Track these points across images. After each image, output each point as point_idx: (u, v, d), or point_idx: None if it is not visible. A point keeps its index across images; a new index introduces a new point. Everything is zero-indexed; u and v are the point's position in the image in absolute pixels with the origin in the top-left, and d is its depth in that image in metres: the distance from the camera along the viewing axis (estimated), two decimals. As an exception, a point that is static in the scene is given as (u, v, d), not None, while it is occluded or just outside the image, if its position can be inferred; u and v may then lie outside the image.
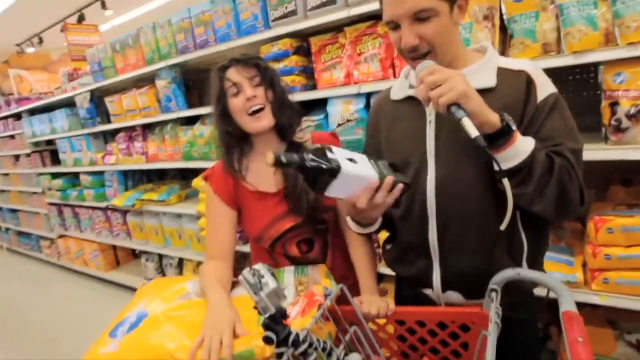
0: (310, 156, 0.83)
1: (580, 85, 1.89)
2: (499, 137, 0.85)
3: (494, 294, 0.93)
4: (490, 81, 0.97)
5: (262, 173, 1.26)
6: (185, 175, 3.58)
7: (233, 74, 1.19)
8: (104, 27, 8.09)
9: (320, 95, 2.11)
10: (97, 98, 3.54)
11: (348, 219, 1.13)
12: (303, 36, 2.20)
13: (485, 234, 0.98)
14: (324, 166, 0.81)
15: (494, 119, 0.85)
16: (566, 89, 1.91)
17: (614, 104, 1.49)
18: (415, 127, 1.06)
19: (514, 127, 0.85)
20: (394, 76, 1.92)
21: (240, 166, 1.26)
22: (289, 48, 2.16)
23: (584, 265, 1.66)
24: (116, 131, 3.48)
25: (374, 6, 1.83)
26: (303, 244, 1.29)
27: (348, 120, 2.02)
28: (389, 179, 0.89)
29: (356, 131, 2.00)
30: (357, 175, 0.86)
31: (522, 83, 0.95)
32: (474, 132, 0.81)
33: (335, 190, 0.86)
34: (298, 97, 2.15)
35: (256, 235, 1.28)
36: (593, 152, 1.48)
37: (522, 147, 0.86)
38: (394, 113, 1.14)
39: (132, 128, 3.30)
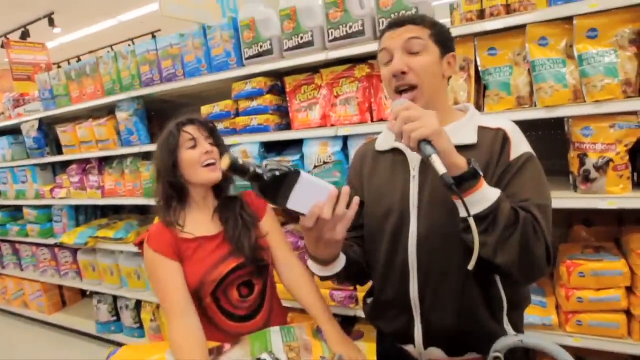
0: (266, 162, 0.83)
1: (547, 127, 1.98)
2: (465, 180, 0.85)
3: (499, 363, 0.92)
4: (471, 138, 1.01)
5: (200, 220, 1.36)
6: (144, 210, 3.38)
7: (191, 129, 1.33)
8: (51, 44, 7.66)
9: (297, 135, 2.07)
10: (46, 127, 3.28)
11: (309, 262, 1.08)
12: (277, 75, 2.17)
13: (465, 289, 0.99)
14: (282, 171, 0.80)
15: (461, 162, 0.86)
16: (533, 130, 2.00)
17: (582, 155, 1.57)
18: (398, 179, 1.07)
19: (480, 173, 0.86)
20: (372, 120, 1.93)
21: (178, 217, 1.33)
22: (262, 87, 2.11)
23: (557, 306, 1.71)
24: (67, 163, 3.23)
25: (351, 50, 1.85)
26: (243, 287, 1.33)
27: (325, 162, 1.98)
28: (345, 188, 0.90)
29: (333, 174, 1.97)
30: (316, 183, 0.86)
31: (499, 140, 0.99)
32: (441, 169, 0.81)
33: (297, 201, 0.83)
34: (273, 136, 2.12)
35: (198, 280, 1.27)
36: (563, 200, 1.55)
37: (487, 193, 0.87)
38: (378, 163, 1.15)
39: (86, 160, 3.07)
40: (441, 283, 1.01)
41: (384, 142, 1.16)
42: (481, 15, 1.64)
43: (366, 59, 1.92)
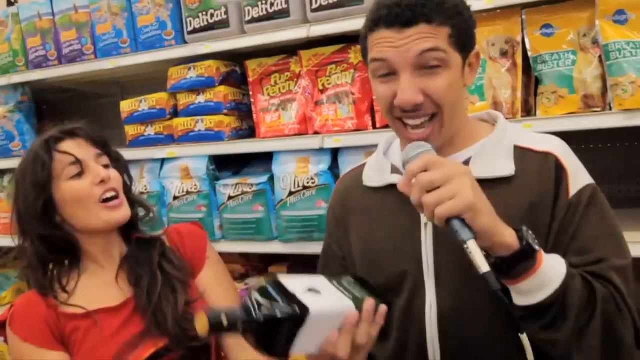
0: (260, 302, 0.79)
1: (627, 137, 1.92)
2: (518, 263, 0.80)
3: None
4: (506, 167, 0.96)
5: (97, 283, 1.23)
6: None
7: (72, 147, 1.17)
8: None
9: (263, 147, 1.99)
10: None
11: None
12: (236, 57, 2.10)
13: None
14: (281, 314, 0.77)
15: (509, 237, 0.81)
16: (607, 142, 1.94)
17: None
18: (403, 230, 1.03)
19: (537, 247, 0.81)
20: (373, 127, 1.85)
21: (60, 281, 1.20)
22: (213, 74, 2.02)
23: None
24: None
25: (343, 25, 1.77)
26: None
27: (305, 187, 1.87)
28: (369, 303, 0.85)
29: (317, 204, 1.85)
30: (329, 313, 0.83)
31: (551, 170, 0.93)
32: (483, 266, 0.76)
33: (303, 344, 0.81)
34: (229, 148, 2.05)
35: None
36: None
37: (550, 273, 0.82)
38: (370, 207, 1.10)
39: None
40: None
41: (376, 174, 1.10)
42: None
43: (365, 37, 1.81)
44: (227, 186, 2.03)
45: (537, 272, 0.81)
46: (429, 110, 0.93)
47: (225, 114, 2.01)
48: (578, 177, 0.94)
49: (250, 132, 2.10)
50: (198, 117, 2.04)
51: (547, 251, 0.87)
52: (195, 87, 2.04)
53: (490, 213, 0.81)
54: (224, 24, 1.95)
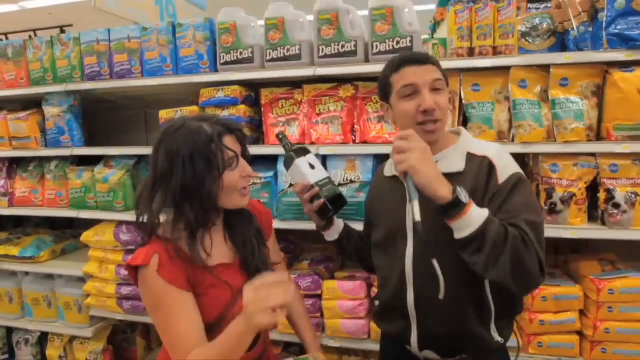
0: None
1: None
2: (450, 209, 0.92)
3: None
4: (458, 166, 1.08)
5: (215, 244, 1.11)
6: (56, 224, 2.80)
7: (231, 143, 1.06)
8: None
9: (272, 151, 1.90)
10: None
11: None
12: (252, 86, 2.00)
13: (458, 300, 1.07)
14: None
15: (444, 192, 0.92)
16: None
17: (550, 189, 1.67)
18: (397, 203, 1.16)
19: (464, 200, 0.91)
20: (354, 142, 1.86)
21: (204, 248, 1.06)
22: (238, 96, 1.91)
23: (520, 329, 1.77)
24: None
25: (342, 70, 1.78)
26: None
27: None
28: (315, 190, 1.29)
29: None
30: (301, 172, 1.32)
31: (485, 168, 1.05)
32: (417, 217, 0.92)
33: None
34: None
35: (219, 314, 1.06)
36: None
37: (474, 218, 0.92)
38: (384, 188, 1.26)
39: (-11, 161, 2.47)
40: (436, 295, 1.02)
41: (390, 168, 1.24)
42: (471, 53, 1.69)
43: (351, 80, 1.87)
44: (244, 179, 1.97)
45: (464, 217, 0.91)
46: (438, 116, 1.06)
47: (244, 125, 1.91)
48: (506, 170, 1.03)
49: (257, 141, 2.01)
50: (223, 127, 1.96)
51: None
52: (223, 104, 1.92)
53: (427, 175, 0.92)
54: (249, 60, 1.87)
